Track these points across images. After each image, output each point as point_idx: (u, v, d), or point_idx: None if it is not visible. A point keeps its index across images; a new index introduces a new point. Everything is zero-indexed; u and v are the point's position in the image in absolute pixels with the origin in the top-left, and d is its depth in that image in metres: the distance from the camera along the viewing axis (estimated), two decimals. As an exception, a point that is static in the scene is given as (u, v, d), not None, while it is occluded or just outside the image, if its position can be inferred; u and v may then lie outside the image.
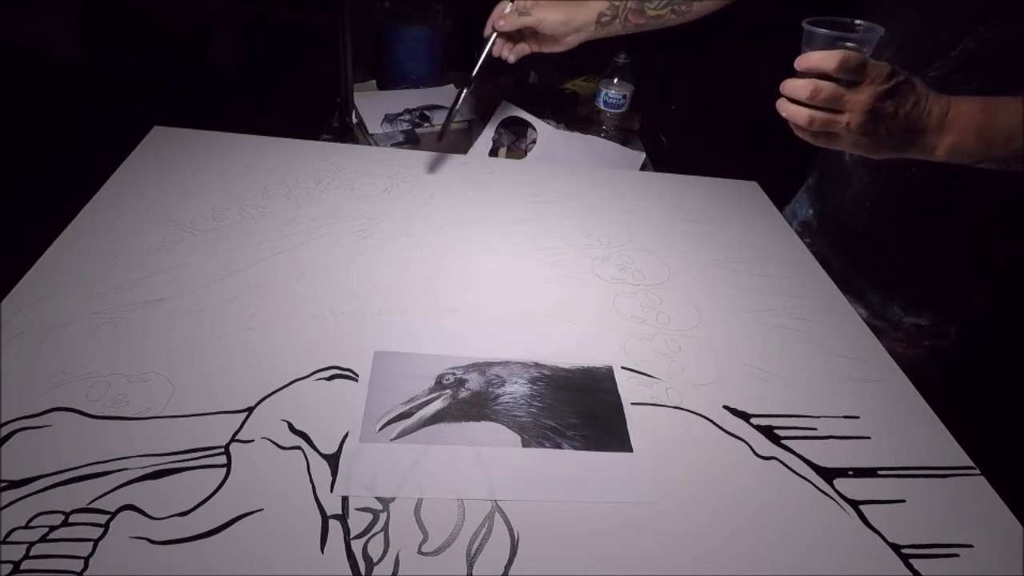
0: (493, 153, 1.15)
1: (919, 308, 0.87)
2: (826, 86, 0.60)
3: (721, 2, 0.95)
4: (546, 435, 0.59)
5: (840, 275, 0.87)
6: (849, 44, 0.61)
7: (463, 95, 0.96)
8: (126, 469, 0.51)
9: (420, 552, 0.48)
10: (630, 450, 0.59)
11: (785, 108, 0.63)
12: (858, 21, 0.64)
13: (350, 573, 0.47)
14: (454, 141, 1.17)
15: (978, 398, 0.87)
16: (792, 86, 0.62)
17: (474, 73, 0.96)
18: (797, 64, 0.62)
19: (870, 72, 0.59)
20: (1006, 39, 0.67)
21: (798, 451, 0.61)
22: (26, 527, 0.46)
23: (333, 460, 0.54)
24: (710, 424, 0.63)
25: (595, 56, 1.26)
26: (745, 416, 0.64)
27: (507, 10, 0.93)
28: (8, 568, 0.44)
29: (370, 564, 0.47)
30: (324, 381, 0.61)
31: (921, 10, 0.74)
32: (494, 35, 0.95)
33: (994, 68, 0.70)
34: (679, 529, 0.53)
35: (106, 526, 0.47)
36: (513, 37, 0.95)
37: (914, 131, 0.61)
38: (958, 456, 0.63)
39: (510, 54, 0.96)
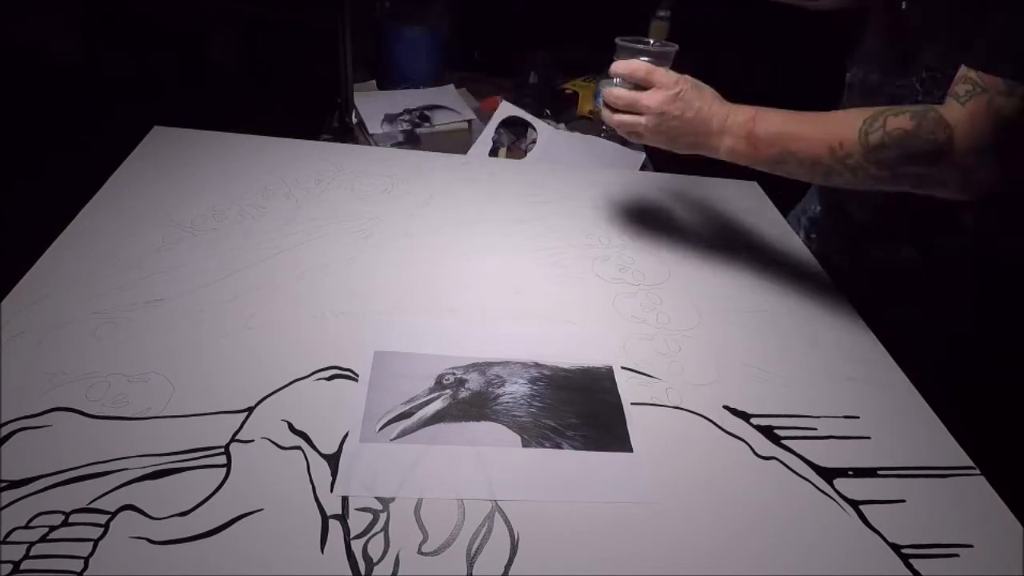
0: (493, 153, 1.15)
1: (926, 309, 0.87)
2: (623, 93, 0.73)
3: None
4: (546, 435, 0.59)
5: (847, 274, 0.87)
6: (644, 58, 0.74)
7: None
8: (126, 469, 0.51)
9: (420, 552, 0.48)
10: (630, 450, 0.59)
11: (602, 113, 0.76)
12: (652, 40, 0.78)
13: (350, 573, 0.46)
14: (455, 141, 1.17)
15: (978, 398, 0.86)
16: (606, 93, 0.75)
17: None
18: (609, 71, 0.75)
19: (657, 80, 0.71)
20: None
21: (798, 451, 0.61)
22: (26, 527, 0.46)
23: (333, 460, 0.54)
24: (710, 424, 0.63)
25: (595, 56, 1.26)
26: (745, 416, 0.64)
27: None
28: (8, 568, 0.44)
29: (370, 564, 0.47)
30: (324, 381, 0.61)
31: (876, 59, 0.80)
32: None
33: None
34: (679, 529, 0.53)
35: (106, 526, 0.47)
36: None
37: (699, 133, 0.71)
38: (958, 456, 0.63)
39: None
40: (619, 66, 0.73)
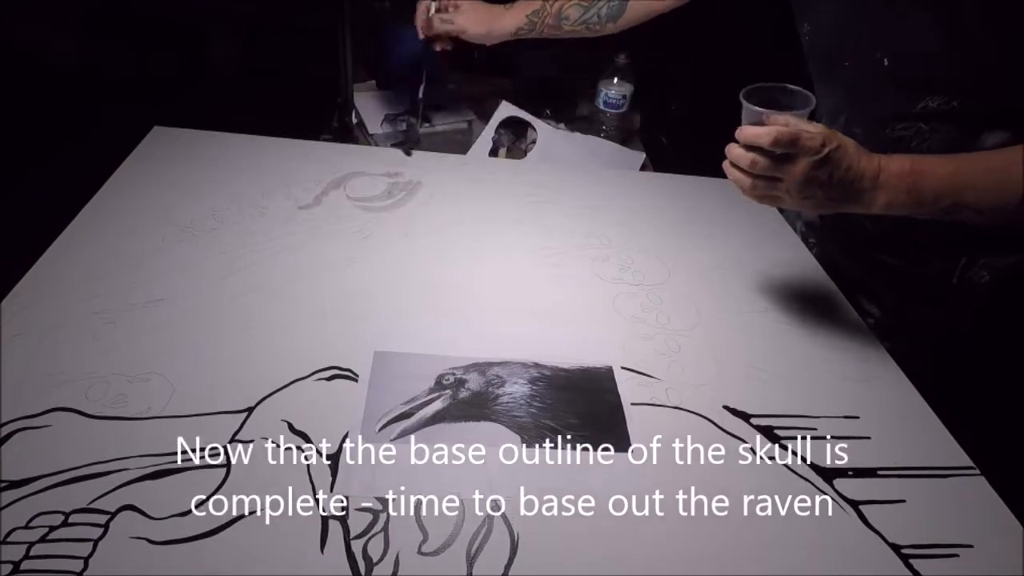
0: (493, 153, 1.15)
1: (932, 308, 0.87)
2: (762, 161, 0.63)
3: (634, 22, 1.03)
4: (546, 435, 0.59)
5: (850, 275, 0.87)
6: (781, 118, 0.63)
7: (421, 106, 1.09)
8: (126, 469, 0.51)
9: (420, 552, 0.48)
10: (630, 450, 0.59)
11: (730, 173, 0.67)
12: (791, 87, 0.67)
13: (350, 573, 0.47)
14: (455, 141, 1.17)
15: (978, 398, 0.86)
16: (735, 154, 0.65)
17: (422, 87, 1.10)
18: (737, 135, 0.64)
19: (802, 145, 0.61)
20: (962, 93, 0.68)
21: (798, 451, 0.61)
22: (26, 527, 0.46)
23: (333, 460, 0.54)
24: (710, 424, 0.63)
25: (595, 56, 1.26)
26: (745, 416, 0.64)
27: (432, 12, 1.05)
28: (8, 568, 0.44)
29: (370, 564, 0.47)
30: (324, 381, 0.61)
31: (875, 78, 0.76)
32: (431, 45, 1.09)
33: (958, 117, 0.71)
34: (679, 529, 0.53)
35: (106, 526, 0.47)
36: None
37: (850, 193, 0.64)
38: (958, 456, 0.63)
39: (446, 44, 1.10)
40: (760, 136, 0.62)
